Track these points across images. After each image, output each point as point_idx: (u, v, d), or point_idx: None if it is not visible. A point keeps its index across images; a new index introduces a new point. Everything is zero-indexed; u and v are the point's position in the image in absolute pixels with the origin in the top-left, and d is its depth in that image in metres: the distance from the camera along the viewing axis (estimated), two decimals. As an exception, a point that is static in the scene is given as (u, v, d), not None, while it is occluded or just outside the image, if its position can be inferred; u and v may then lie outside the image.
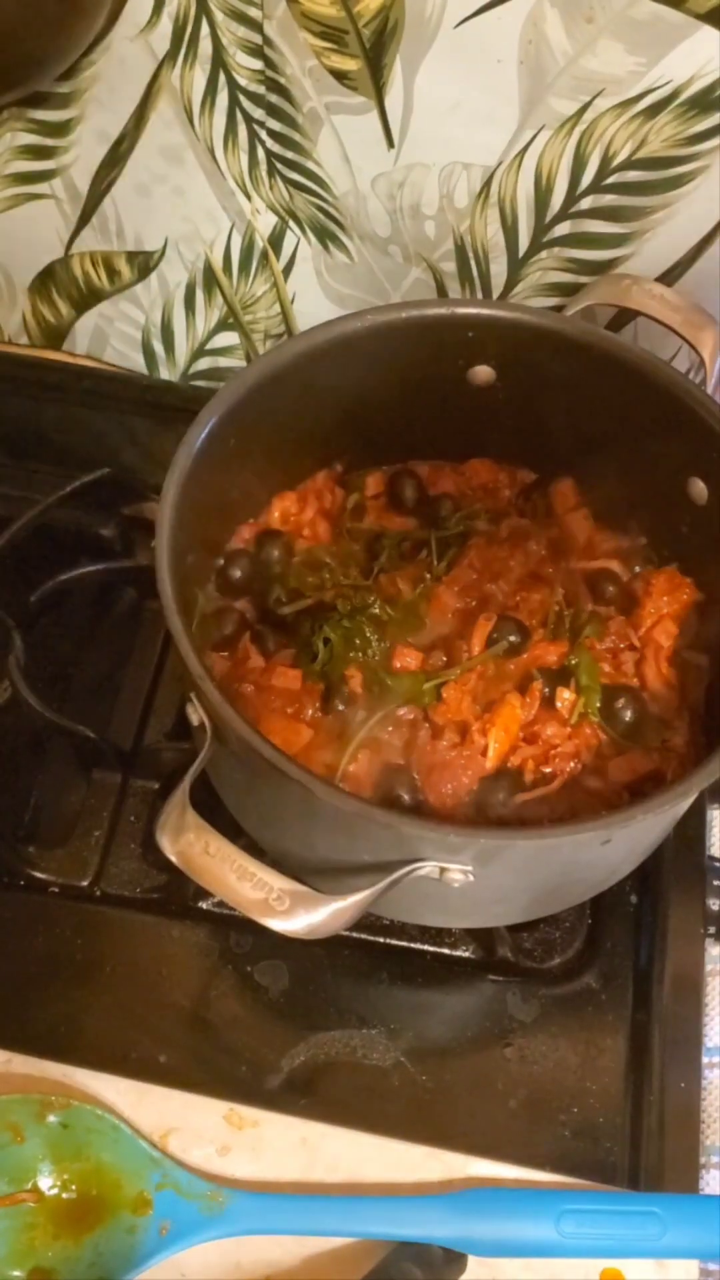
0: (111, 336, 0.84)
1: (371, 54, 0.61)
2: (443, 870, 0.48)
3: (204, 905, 0.62)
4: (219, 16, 0.62)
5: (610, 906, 0.62)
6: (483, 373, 0.62)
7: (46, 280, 0.81)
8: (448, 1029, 0.59)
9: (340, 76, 0.62)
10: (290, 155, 0.68)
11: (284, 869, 0.48)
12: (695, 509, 0.59)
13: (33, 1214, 0.54)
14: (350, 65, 0.62)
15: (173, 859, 0.48)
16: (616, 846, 0.52)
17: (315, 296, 0.76)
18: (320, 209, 0.70)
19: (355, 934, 0.61)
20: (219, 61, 0.65)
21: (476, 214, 0.67)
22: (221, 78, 0.65)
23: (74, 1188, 0.55)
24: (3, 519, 0.72)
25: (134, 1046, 0.58)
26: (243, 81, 0.65)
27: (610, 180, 0.63)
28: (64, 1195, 0.55)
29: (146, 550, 0.74)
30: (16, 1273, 0.53)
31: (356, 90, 0.63)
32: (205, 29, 0.63)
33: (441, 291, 0.72)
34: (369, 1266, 0.53)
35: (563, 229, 0.66)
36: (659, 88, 0.58)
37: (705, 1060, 0.59)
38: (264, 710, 0.59)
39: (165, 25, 0.64)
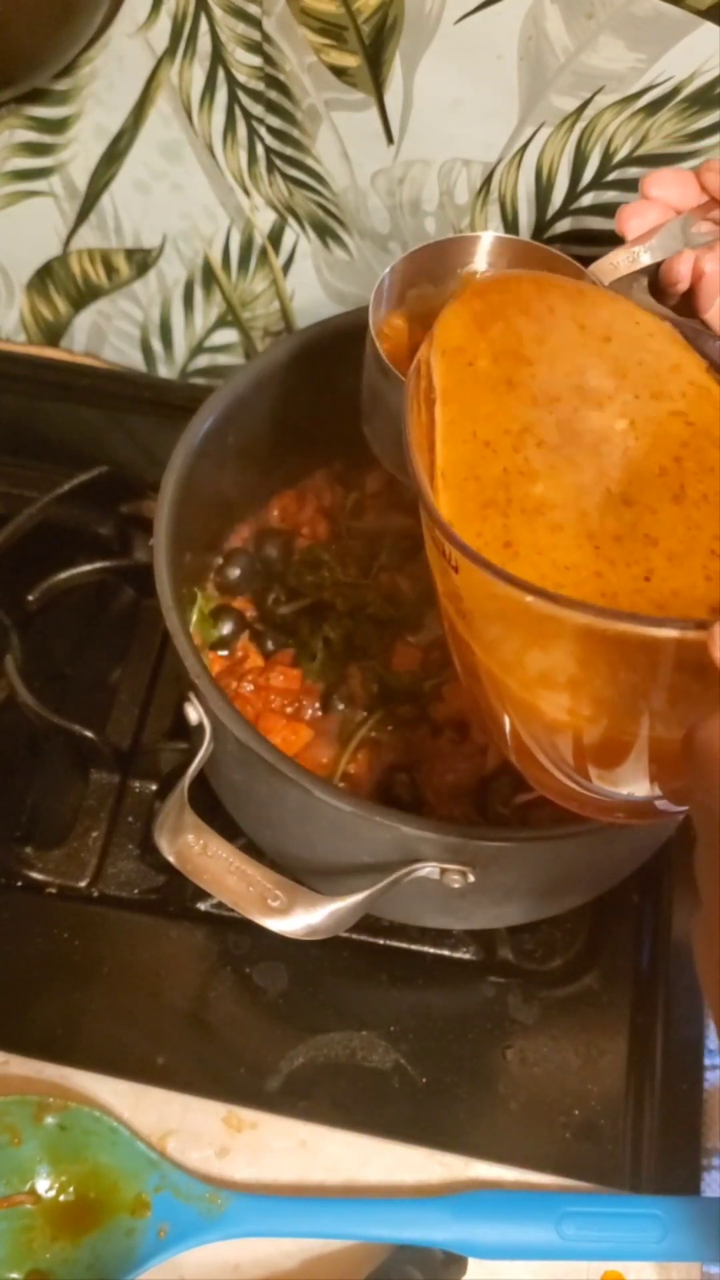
0: (110, 334, 0.83)
1: (371, 50, 0.60)
2: (443, 871, 0.48)
3: (202, 906, 0.62)
4: (218, 13, 0.62)
5: (612, 907, 0.62)
6: (483, 370, 0.62)
7: (45, 278, 0.81)
8: (448, 1031, 0.59)
9: (339, 73, 0.62)
10: (289, 152, 0.67)
11: (283, 870, 0.48)
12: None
13: (30, 1216, 0.54)
14: (349, 61, 0.61)
15: (171, 859, 0.48)
16: (618, 847, 0.52)
17: (314, 293, 0.75)
18: (319, 205, 0.70)
19: (354, 935, 0.61)
20: (218, 58, 0.64)
21: (477, 211, 0.67)
22: (220, 74, 0.65)
23: (72, 1190, 0.54)
24: (0, 517, 0.72)
25: (132, 1048, 0.58)
26: (241, 78, 0.65)
27: (611, 177, 0.63)
28: (61, 1197, 0.54)
29: (145, 549, 0.74)
30: (14, 1275, 0.52)
31: (356, 87, 0.63)
32: (204, 25, 0.63)
33: (441, 289, 0.72)
34: (369, 1269, 0.52)
35: (564, 225, 0.66)
36: (660, 84, 0.58)
37: (707, 1062, 0.59)
38: (263, 710, 0.58)
39: (164, 22, 0.64)
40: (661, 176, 0.42)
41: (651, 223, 0.42)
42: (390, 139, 0.64)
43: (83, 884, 0.63)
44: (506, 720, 0.37)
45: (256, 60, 0.64)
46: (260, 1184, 0.55)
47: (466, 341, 0.39)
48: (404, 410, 0.37)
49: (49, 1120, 0.55)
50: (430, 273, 0.50)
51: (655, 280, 0.44)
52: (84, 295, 0.81)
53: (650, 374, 0.39)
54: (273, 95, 0.65)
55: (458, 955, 0.61)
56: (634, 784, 0.37)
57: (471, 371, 0.39)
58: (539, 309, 0.40)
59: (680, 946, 0.61)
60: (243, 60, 0.64)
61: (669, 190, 0.42)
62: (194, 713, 0.50)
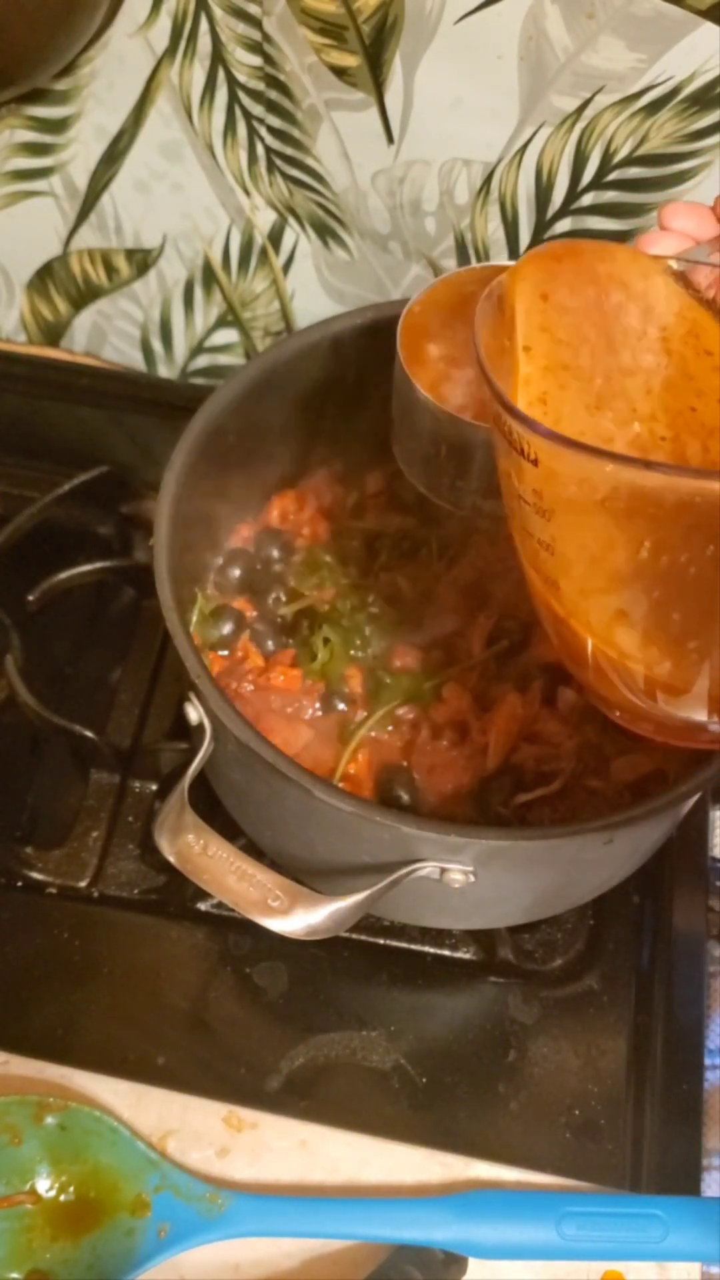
0: (110, 334, 0.83)
1: (371, 50, 0.60)
2: (443, 871, 0.48)
3: (202, 906, 0.62)
4: (218, 13, 0.62)
5: (612, 907, 0.62)
6: (483, 370, 0.62)
7: (45, 278, 0.81)
8: (448, 1031, 0.59)
9: (340, 73, 0.62)
10: (289, 151, 0.67)
11: (283, 870, 0.48)
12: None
13: (30, 1216, 0.54)
14: (350, 61, 0.61)
15: (171, 859, 0.48)
16: (618, 847, 0.52)
17: (315, 293, 0.75)
18: (320, 205, 0.70)
19: (355, 935, 0.61)
20: (218, 58, 0.64)
21: (477, 211, 0.67)
22: (220, 74, 0.65)
23: (72, 1190, 0.54)
24: (0, 517, 0.72)
25: (132, 1048, 0.58)
26: (242, 78, 0.65)
27: (611, 177, 0.63)
28: (62, 1197, 0.54)
29: (145, 549, 0.74)
30: (14, 1275, 0.52)
31: (356, 86, 0.62)
32: (204, 25, 0.63)
33: (442, 289, 0.72)
34: (369, 1269, 0.52)
35: (564, 225, 0.66)
36: (660, 84, 0.58)
37: (707, 1062, 0.59)
38: (263, 710, 0.58)
39: (164, 22, 0.64)
40: (679, 209, 0.45)
41: (668, 252, 0.45)
42: (390, 139, 0.64)
43: (83, 884, 0.63)
44: (589, 643, 0.41)
45: (257, 60, 0.64)
46: (260, 1184, 0.55)
47: (544, 270, 0.43)
48: (475, 328, 0.41)
49: (49, 1120, 0.55)
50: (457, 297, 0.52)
51: None
52: (84, 295, 0.81)
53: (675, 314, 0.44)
54: (273, 95, 0.65)
55: (458, 955, 0.61)
56: (695, 710, 0.40)
57: (549, 286, 0.43)
58: (599, 256, 0.44)
59: (681, 946, 0.61)
60: (243, 60, 0.64)
61: (686, 221, 0.45)
62: (194, 713, 0.50)
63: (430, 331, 0.51)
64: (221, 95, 0.66)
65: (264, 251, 0.74)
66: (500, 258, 0.69)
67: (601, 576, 0.38)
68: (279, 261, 0.74)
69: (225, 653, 0.61)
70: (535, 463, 0.36)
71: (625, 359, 0.42)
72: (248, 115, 0.67)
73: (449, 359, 0.50)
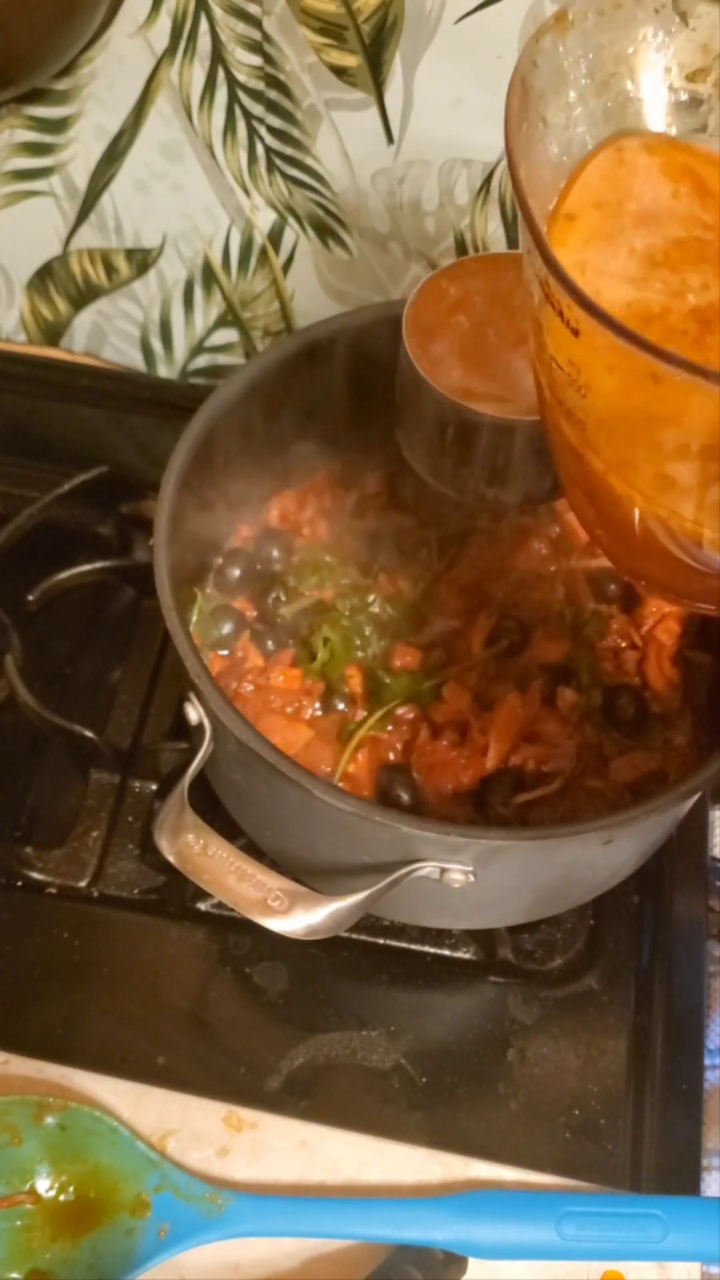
0: (110, 334, 0.83)
1: (371, 50, 0.60)
2: (443, 871, 0.48)
3: (202, 906, 0.62)
4: (218, 13, 0.62)
5: (612, 907, 0.62)
6: (482, 370, 0.62)
7: (45, 277, 0.81)
8: (448, 1031, 0.59)
9: (340, 73, 0.62)
10: (289, 151, 0.67)
11: (283, 870, 0.48)
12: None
13: (30, 1216, 0.54)
14: (350, 61, 0.61)
15: (171, 859, 0.48)
16: (618, 847, 0.52)
17: (314, 293, 0.75)
18: (319, 205, 0.70)
19: (355, 935, 0.61)
20: (218, 58, 0.64)
21: (477, 210, 0.67)
22: (220, 74, 0.65)
23: (72, 1190, 0.54)
24: (0, 517, 0.72)
25: (132, 1048, 0.58)
26: (242, 78, 0.65)
27: (611, 177, 0.62)
28: (62, 1197, 0.54)
29: (145, 549, 0.74)
30: (14, 1275, 0.52)
31: (356, 86, 0.63)
32: (204, 25, 0.63)
33: (441, 289, 0.72)
34: (369, 1269, 0.52)
35: (563, 226, 0.66)
36: (660, 84, 0.58)
37: (707, 1062, 0.59)
38: (263, 710, 0.58)
39: (164, 22, 0.64)
40: None
41: None
42: (390, 139, 0.64)
43: (83, 884, 0.63)
44: (635, 513, 0.38)
45: (256, 60, 0.64)
46: (260, 1184, 0.55)
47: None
48: (510, 135, 0.37)
49: (49, 1120, 0.55)
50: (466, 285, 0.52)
51: None
52: (84, 295, 0.81)
53: None
54: (273, 95, 0.65)
55: (458, 955, 0.61)
56: None
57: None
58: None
59: (681, 946, 0.61)
60: (243, 60, 0.64)
61: None
62: (194, 713, 0.50)
63: (435, 319, 0.51)
64: (221, 95, 0.66)
65: (264, 251, 0.74)
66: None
67: (644, 452, 0.35)
68: (279, 261, 0.74)
69: (225, 653, 0.61)
70: (576, 334, 0.33)
71: (673, 228, 0.39)
72: (248, 115, 0.67)
73: (454, 346, 0.50)
